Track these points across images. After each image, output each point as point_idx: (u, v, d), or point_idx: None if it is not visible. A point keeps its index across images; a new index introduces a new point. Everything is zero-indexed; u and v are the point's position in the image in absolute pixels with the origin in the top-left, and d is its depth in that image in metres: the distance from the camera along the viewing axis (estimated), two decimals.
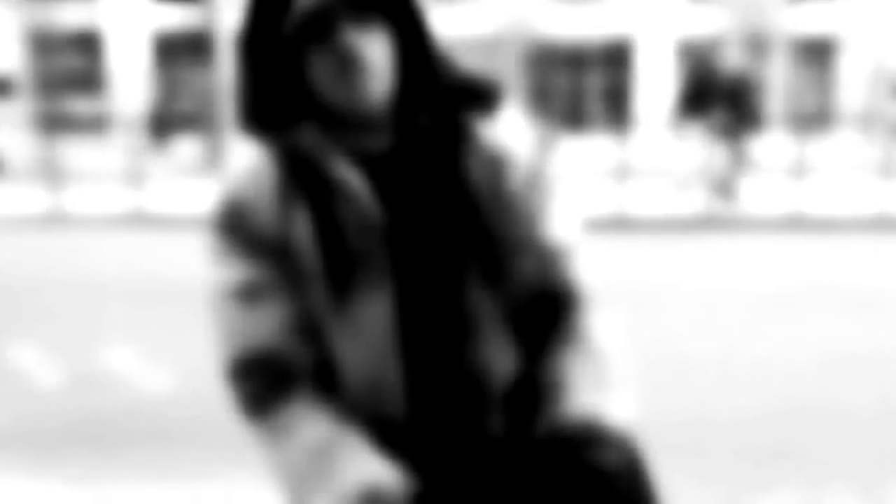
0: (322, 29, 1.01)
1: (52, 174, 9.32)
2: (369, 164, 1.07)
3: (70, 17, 20.56)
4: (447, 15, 22.05)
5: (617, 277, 5.55)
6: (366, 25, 1.02)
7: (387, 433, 1.09)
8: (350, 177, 1.05)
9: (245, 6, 1.05)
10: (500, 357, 1.11)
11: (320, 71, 1.03)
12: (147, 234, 8.08)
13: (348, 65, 1.01)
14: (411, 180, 1.08)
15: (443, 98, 1.10)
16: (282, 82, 1.07)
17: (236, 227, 1.07)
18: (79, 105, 22.51)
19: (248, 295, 1.07)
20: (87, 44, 22.31)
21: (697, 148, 9.06)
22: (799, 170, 8.61)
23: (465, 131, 1.11)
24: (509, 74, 22.22)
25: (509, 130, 1.14)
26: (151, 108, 18.81)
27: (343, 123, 1.07)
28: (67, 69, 22.06)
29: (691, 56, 21.73)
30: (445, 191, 1.09)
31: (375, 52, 1.02)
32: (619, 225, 8.10)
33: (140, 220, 8.76)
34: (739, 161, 8.53)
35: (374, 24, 1.03)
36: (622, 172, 8.73)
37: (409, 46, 1.08)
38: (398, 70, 1.07)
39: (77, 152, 19.25)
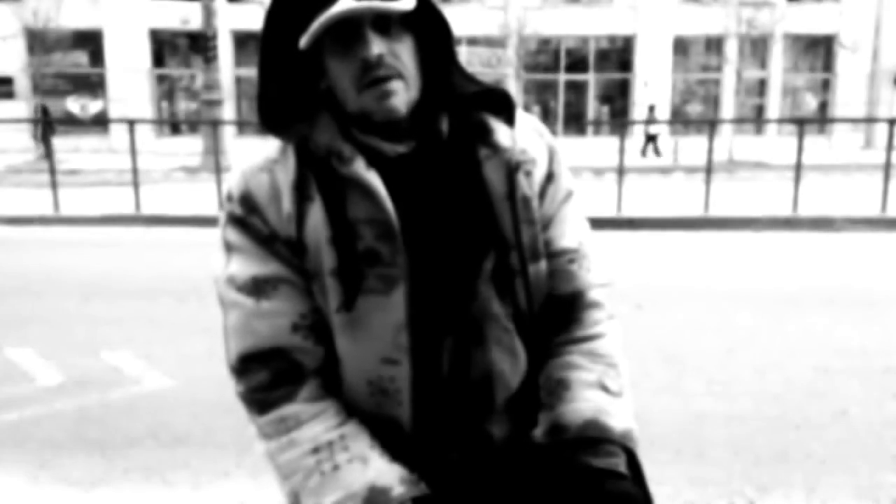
0: (349, 37, 1.02)
1: (51, 174, 9.31)
2: (388, 165, 1.07)
3: (70, 17, 20.53)
4: (447, 15, 22.01)
5: (616, 277, 5.54)
6: (391, 34, 1.03)
7: (391, 434, 1.09)
8: (368, 176, 1.04)
9: (269, 9, 1.05)
10: (508, 362, 1.11)
11: (344, 78, 1.03)
12: (147, 234, 8.08)
13: (375, 73, 1.01)
14: (429, 183, 1.08)
15: (462, 104, 1.11)
16: (301, 84, 1.08)
17: (249, 220, 1.07)
18: (79, 105, 22.53)
19: (257, 289, 1.06)
20: (87, 43, 22.29)
21: None
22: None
23: (482, 137, 1.11)
24: (510, 74, 22.21)
25: (525, 136, 1.15)
26: (35, 110, 18.99)
27: (364, 125, 1.07)
28: (67, 69, 22.04)
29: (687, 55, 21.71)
30: (463, 195, 1.09)
31: (401, 60, 1.03)
32: (619, 224, 8.10)
33: (140, 220, 8.76)
34: None
35: (399, 33, 1.04)
36: (622, 171, 8.72)
37: (432, 54, 1.09)
38: (421, 77, 1.08)
39: (77, 152, 19.24)
